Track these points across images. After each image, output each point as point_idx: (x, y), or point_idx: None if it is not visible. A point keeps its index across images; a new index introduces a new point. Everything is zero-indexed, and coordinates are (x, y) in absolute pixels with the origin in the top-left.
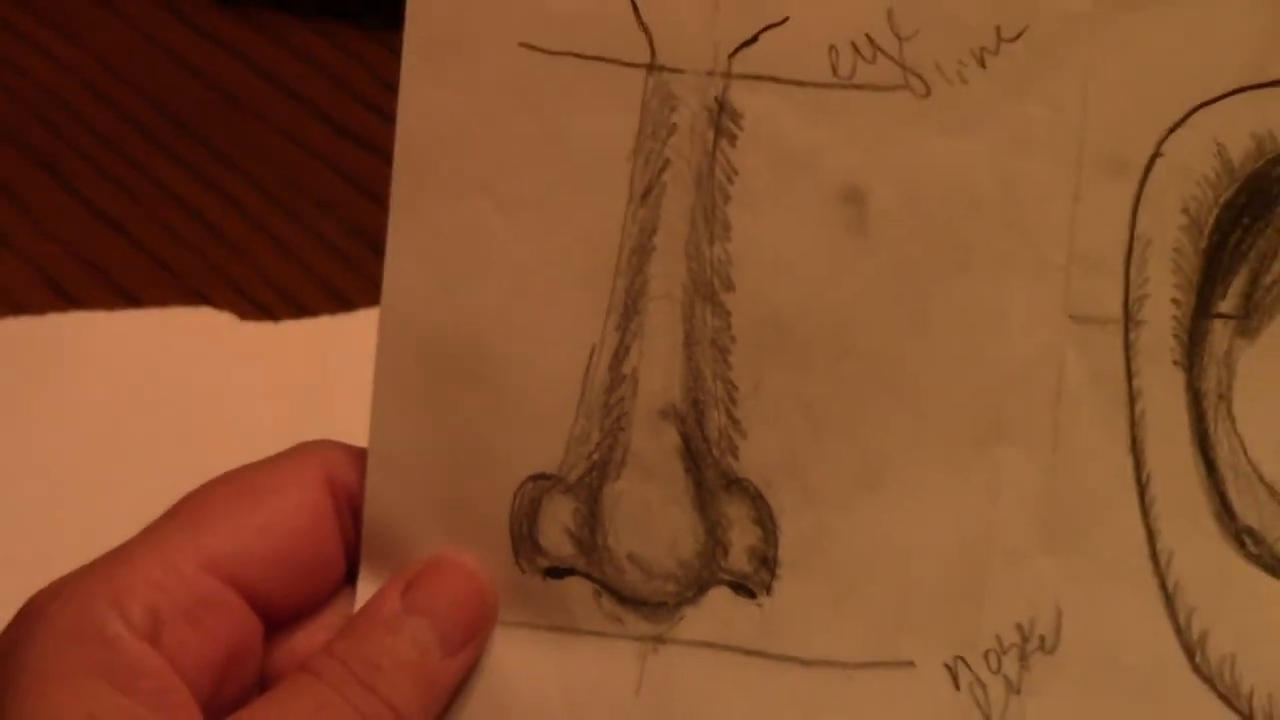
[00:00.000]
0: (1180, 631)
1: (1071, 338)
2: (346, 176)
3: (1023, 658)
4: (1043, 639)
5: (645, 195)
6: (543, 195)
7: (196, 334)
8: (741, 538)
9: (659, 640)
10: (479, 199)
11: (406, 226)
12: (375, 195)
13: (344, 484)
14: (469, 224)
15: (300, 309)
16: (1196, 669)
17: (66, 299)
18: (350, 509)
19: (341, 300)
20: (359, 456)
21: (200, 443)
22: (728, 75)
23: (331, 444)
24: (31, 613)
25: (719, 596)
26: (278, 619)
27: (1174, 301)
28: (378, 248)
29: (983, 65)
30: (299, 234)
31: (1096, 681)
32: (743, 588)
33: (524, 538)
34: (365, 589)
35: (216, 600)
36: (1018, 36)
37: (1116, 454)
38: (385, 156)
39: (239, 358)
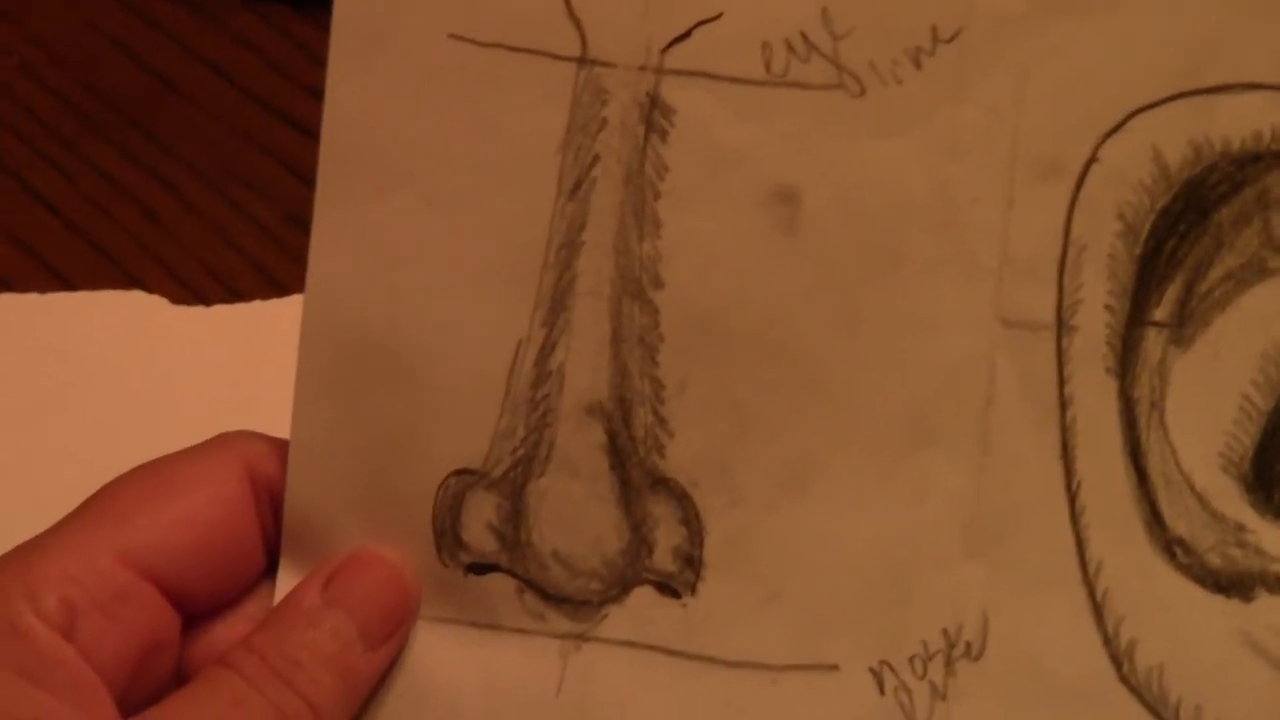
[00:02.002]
0: (1108, 641)
1: (1003, 342)
2: (281, 160)
3: (948, 664)
4: (969, 645)
5: (574, 190)
6: (470, 189)
7: (128, 317)
8: (667, 537)
9: (581, 638)
10: (406, 192)
11: (332, 219)
12: (310, 179)
13: (264, 476)
14: (396, 217)
15: (234, 293)
16: (1124, 679)
17: None
18: (270, 501)
19: (276, 284)
20: (280, 448)
21: (130, 427)
22: (660, 70)
23: (252, 435)
24: None
25: (643, 596)
26: (196, 612)
27: (1108, 308)
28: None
29: (918, 66)
30: (233, 218)
31: (1022, 689)
32: (667, 587)
33: (447, 533)
34: (285, 582)
35: (132, 593)
36: (953, 38)
37: (1046, 461)
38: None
39: (170, 342)
